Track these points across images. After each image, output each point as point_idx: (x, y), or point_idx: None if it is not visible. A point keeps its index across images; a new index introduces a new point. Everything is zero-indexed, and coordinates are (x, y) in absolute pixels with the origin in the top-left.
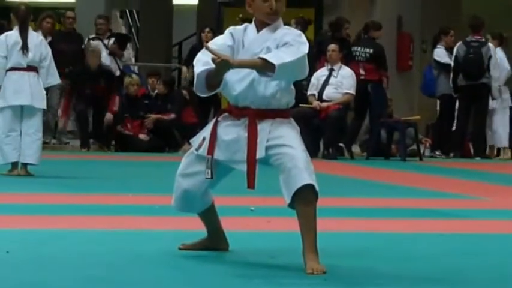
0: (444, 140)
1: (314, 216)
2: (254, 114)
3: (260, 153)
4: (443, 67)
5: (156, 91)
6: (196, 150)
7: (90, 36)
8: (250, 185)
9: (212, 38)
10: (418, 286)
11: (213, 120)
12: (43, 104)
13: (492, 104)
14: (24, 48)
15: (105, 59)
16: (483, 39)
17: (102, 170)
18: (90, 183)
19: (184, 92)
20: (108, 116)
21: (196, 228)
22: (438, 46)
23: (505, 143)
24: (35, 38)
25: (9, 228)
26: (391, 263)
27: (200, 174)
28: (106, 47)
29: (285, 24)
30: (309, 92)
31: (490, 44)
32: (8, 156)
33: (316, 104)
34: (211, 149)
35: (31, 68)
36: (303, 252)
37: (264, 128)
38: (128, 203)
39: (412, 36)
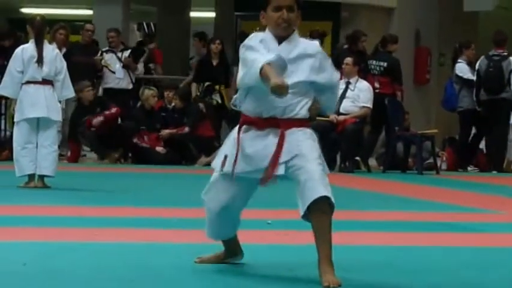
0: (465, 155)
1: (329, 228)
2: (278, 124)
3: (282, 159)
4: (465, 82)
5: (172, 104)
6: (221, 170)
7: (104, 49)
8: (266, 178)
9: (222, 50)
10: None
11: (233, 136)
12: (59, 116)
13: None
14: (40, 61)
15: (119, 72)
16: (505, 53)
17: (118, 183)
18: (106, 196)
19: (201, 105)
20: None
21: (211, 242)
22: (459, 60)
23: None
24: (51, 52)
25: (25, 240)
26: (408, 276)
27: (227, 192)
28: (119, 59)
29: (301, 37)
30: None
31: (511, 58)
32: (25, 168)
33: (333, 117)
34: (235, 163)
35: (46, 82)
36: (318, 265)
37: (289, 138)
38: (143, 216)
39: (430, 50)
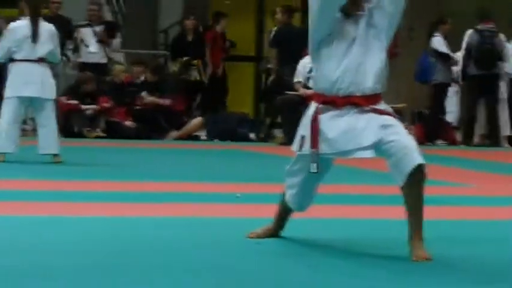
0: (435, 129)
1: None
2: (359, 102)
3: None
4: (440, 56)
5: (142, 78)
6: (299, 150)
7: (79, 23)
8: None
9: (196, 27)
10: (406, 274)
11: (310, 116)
12: (53, 94)
13: (502, 94)
14: (35, 40)
15: (93, 46)
16: (495, 29)
17: (90, 156)
18: (79, 170)
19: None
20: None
21: (195, 214)
22: (435, 34)
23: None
24: (48, 30)
25: (9, 214)
26: (380, 250)
27: (303, 171)
28: (95, 34)
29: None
30: (295, 80)
31: (502, 35)
32: (5, 147)
33: (302, 91)
34: (315, 144)
35: (41, 60)
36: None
37: (372, 115)
38: (123, 190)
39: (399, 24)
